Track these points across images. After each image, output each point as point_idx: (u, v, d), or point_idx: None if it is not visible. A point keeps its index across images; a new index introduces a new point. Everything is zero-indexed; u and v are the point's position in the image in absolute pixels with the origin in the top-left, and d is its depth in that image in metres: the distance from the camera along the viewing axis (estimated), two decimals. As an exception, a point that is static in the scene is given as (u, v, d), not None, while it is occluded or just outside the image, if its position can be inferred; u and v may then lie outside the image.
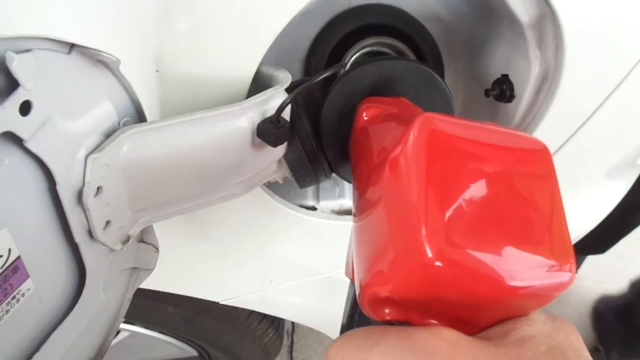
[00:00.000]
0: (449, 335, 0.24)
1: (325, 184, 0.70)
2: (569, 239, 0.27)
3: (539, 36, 0.54)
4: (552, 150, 0.61)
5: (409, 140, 0.28)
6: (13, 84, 0.25)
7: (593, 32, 0.50)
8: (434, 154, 0.27)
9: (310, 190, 0.70)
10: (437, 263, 0.24)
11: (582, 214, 0.80)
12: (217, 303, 0.76)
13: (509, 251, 0.25)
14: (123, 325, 0.96)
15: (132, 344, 1.02)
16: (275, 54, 0.62)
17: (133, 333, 0.99)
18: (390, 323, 0.29)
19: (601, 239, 1.32)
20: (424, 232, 0.24)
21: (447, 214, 0.25)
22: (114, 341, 0.99)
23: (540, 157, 0.30)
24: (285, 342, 1.63)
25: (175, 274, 0.68)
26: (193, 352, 1.12)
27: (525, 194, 0.28)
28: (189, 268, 0.68)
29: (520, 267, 0.25)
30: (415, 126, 0.28)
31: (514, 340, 0.25)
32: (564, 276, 0.26)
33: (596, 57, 0.53)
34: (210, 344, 1.05)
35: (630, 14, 0.50)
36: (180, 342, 1.06)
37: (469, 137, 0.29)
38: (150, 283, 0.47)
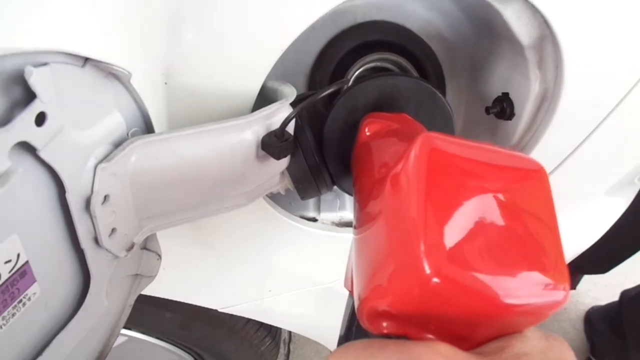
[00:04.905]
0: (445, 350, 0.24)
1: (327, 196, 0.70)
2: (564, 257, 0.28)
3: (539, 56, 0.54)
4: (550, 168, 0.61)
5: (409, 158, 0.29)
6: (30, 95, 0.26)
7: (592, 53, 0.51)
8: (434, 172, 0.28)
9: (311, 202, 0.70)
10: (435, 279, 0.24)
11: (580, 232, 0.81)
12: (215, 310, 0.77)
13: (505, 269, 0.26)
14: (121, 330, 0.96)
15: (129, 349, 1.02)
16: (281, 68, 0.63)
17: (130, 338, 0.99)
18: (387, 336, 0.29)
19: (602, 259, 1.33)
20: (422, 248, 0.25)
21: (446, 231, 0.26)
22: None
23: (537, 177, 0.30)
24: (282, 351, 1.63)
25: (176, 280, 0.68)
26: (189, 359, 1.12)
27: (522, 212, 0.28)
28: (189, 275, 0.69)
29: (515, 285, 0.26)
30: (417, 145, 0.29)
31: (508, 356, 0.25)
32: (559, 294, 0.26)
33: (595, 78, 0.54)
34: (206, 351, 1.05)
35: (628, 35, 0.51)
36: (176, 348, 1.06)
37: (468, 156, 0.30)
38: (150, 289, 0.48)
